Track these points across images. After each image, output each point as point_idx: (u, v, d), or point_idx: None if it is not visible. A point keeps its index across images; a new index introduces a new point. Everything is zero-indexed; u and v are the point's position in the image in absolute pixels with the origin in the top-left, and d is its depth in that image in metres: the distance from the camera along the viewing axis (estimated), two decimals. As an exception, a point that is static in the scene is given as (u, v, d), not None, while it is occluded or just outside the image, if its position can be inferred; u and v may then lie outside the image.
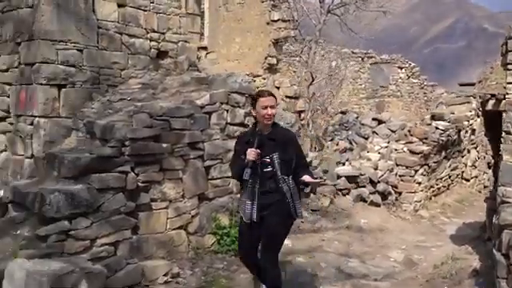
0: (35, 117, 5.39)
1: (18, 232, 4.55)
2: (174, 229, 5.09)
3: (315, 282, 5.15)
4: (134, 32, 6.10)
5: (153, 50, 6.34)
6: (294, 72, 10.05)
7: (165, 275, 4.72)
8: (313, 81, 8.58)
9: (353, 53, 17.63)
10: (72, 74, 5.49)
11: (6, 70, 5.75)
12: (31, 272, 3.71)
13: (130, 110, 5.14)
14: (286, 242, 5.95)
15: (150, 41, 6.30)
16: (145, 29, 6.22)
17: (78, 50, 5.56)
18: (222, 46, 9.76)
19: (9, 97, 5.74)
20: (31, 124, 5.44)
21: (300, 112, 9.29)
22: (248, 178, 3.72)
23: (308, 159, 7.16)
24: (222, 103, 5.54)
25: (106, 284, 4.16)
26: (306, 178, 3.76)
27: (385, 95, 18.23)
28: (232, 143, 5.52)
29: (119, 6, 5.93)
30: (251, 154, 3.69)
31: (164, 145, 4.86)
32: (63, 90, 5.45)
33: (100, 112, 5.40)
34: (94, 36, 5.69)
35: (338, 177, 7.89)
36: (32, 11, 5.40)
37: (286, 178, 3.78)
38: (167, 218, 5.01)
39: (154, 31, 6.35)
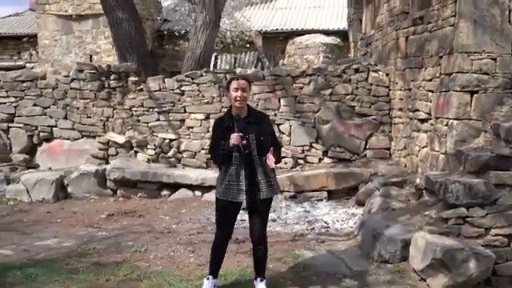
0: (449, 119, 6.31)
1: (427, 212, 5.63)
2: None
3: None
4: (552, 36, 6.14)
5: None
6: None
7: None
8: None
9: None
10: (484, 80, 6.12)
11: (430, 80, 6.92)
12: (429, 242, 4.69)
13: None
14: None
15: None
16: None
17: (491, 58, 6.13)
18: None
19: (431, 102, 6.89)
20: (446, 125, 6.41)
21: None
22: (234, 162, 4.00)
23: None
24: None
25: (494, 268, 4.71)
26: (269, 158, 4.00)
27: None
28: None
29: (537, 12, 6.12)
30: (235, 138, 3.90)
31: None
32: (475, 95, 6.15)
33: (508, 115, 5.82)
34: (508, 45, 6.12)
35: None
36: (453, 29, 6.34)
37: (261, 158, 4.03)
38: None
39: None
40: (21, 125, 9.50)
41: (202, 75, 9.02)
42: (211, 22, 9.87)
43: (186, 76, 8.99)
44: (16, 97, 9.50)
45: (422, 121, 7.27)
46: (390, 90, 8.73)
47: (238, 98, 4.01)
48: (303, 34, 16.78)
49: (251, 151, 4.00)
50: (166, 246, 5.82)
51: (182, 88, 9.00)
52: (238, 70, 9.24)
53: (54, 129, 9.46)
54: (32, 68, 16.00)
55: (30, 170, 8.96)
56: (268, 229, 6.48)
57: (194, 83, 8.97)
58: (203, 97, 8.98)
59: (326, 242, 5.85)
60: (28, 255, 5.51)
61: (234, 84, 4.04)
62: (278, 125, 8.92)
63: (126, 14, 9.81)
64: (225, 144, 3.99)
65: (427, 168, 6.90)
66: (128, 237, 6.20)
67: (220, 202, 4.22)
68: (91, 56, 17.02)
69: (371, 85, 8.76)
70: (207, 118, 8.96)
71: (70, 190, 8.35)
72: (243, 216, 7.19)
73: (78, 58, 16.45)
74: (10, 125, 9.54)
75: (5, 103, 9.50)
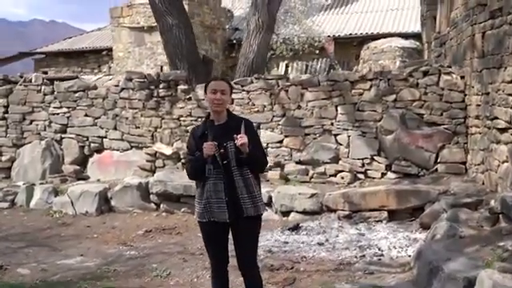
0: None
1: (501, 243, 4.55)
2: None
3: None
4: None
5: None
6: None
7: None
8: None
9: None
10: None
11: (510, 82, 5.75)
12: (497, 284, 3.63)
13: None
14: None
15: None
16: None
17: None
18: None
19: (511, 108, 5.72)
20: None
21: None
22: (210, 175, 3.40)
23: None
24: None
25: None
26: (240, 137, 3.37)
27: None
28: None
29: None
30: (208, 148, 3.37)
31: None
32: None
33: None
34: None
35: None
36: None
37: (242, 169, 3.44)
38: None
39: None
40: (73, 135, 9.40)
41: (252, 82, 8.40)
42: (264, 25, 9.22)
43: (235, 83, 8.36)
44: (69, 107, 9.43)
45: (502, 130, 6.11)
46: (465, 94, 7.57)
47: (215, 101, 3.48)
48: (379, 38, 15.70)
49: (229, 161, 3.43)
50: (192, 270, 5.23)
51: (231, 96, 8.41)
52: (291, 76, 8.49)
53: (104, 139, 9.27)
54: (110, 80, 16.30)
55: (78, 182, 8.79)
56: (311, 254, 5.77)
57: (243, 91, 8.37)
58: (253, 105, 8.35)
59: (374, 273, 4.94)
60: (43, 276, 5.14)
61: (211, 85, 3.53)
62: (335, 135, 8.07)
63: (176, 20, 9.42)
64: (199, 155, 3.45)
65: (507, 187, 5.74)
66: (155, 258, 5.68)
67: (202, 225, 3.61)
68: (162, 67, 16.99)
69: (443, 89, 7.64)
70: (257, 128, 8.28)
71: (113, 203, 8.02)
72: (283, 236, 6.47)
73: (149, 70, 16.48)
74: (63, 135, 9.49)
75: (58, 114, 9.49)
